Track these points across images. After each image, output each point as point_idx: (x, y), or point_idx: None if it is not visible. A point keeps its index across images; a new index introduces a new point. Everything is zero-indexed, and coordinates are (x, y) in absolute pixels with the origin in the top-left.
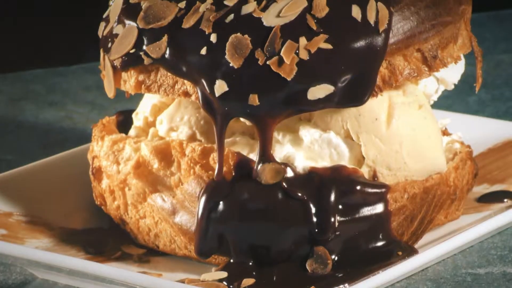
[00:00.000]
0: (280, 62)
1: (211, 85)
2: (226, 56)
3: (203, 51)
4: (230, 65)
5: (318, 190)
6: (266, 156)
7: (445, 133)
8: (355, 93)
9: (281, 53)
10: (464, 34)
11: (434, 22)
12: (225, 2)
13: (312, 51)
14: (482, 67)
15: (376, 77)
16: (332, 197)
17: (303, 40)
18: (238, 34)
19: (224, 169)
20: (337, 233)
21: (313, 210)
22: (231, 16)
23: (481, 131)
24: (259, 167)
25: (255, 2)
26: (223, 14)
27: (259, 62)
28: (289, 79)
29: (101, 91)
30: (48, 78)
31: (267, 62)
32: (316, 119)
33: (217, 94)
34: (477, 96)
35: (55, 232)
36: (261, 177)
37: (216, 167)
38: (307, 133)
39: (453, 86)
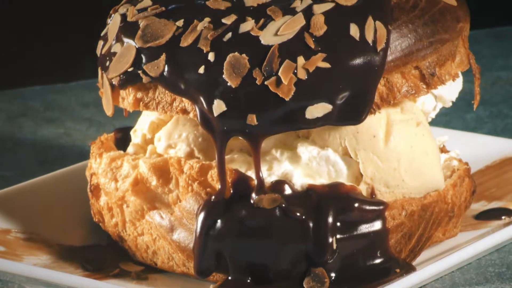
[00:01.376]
0: (278, 82)
1: (210, 104)
2: (224, 76)
3: (201, 70)
4: (228, 84)
5: (316, 207)
6: (262, 186)
7: (443, 150)
8: (353, 111)
9: (279, 73)
10: (462, 52)
11: (432, 40)
12: (223, 20)
13: (310, 70)
14: (480, 84)
15: (374, 96)
16: (330, 215)
17: (301, 60)
18: (236, 53)
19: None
20: (335, 248)
21: (311, 229)
22: (229, 35)
23: (479, 148)
24: (255, 197)
25: (253, 20)
26: (221, 32)
27: (257, 82)
28: (287, 99)
29: (99, 108)
30: (46, 95)
31: (265, 82)
32: (314, 136)
33: (215, 114)
34: (475, 113)
35: (53, 249)
36: (259, 205)
37: (218, 186)
38: (305, 150)
39: (451, 104)
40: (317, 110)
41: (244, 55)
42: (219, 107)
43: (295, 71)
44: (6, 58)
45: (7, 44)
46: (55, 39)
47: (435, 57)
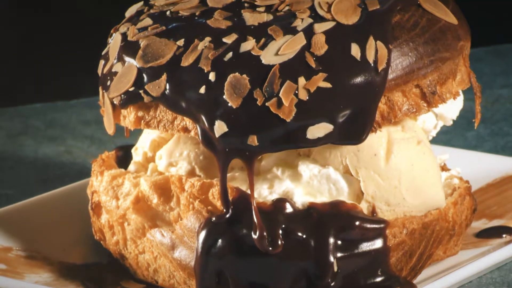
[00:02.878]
0: (279, 103)
1: (211, 124)
2: (225, 96)
3: (202, 90)
4: (229, 104)
5: (317, 226)
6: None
7: (444, 168)
8: (354, 131)
9: (280, 94)
10: (462, 70)
11: (433, 58)
12: (223, 40)
13: (312, 91)
14: (481, 102)
15: (375, 116)
16: (331, 234)
17: (302, 80)
18: (237, 73)
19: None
20: (336, 270)
21: (312, 248)
22: (230, 54)
23: (479, 166)
24: (256, 241)
25: (254, 39)
26: (222, 52)
27: (257, 103)
28: (288, 120)
29: (100, 126)
30: (47, 113)
31: (266, 104)
32: (315, 155)
33: (217, 135)
34: (475, 131)
35: (55, 267)
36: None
37: (220, 204)
38: (306, 168)
39: (451, 122)
40: (318, 130)
41: (244, 75)
42: (220, 128)
43: (296, 92)
44: (6, 76)
45: (7, 62)
46: (56, 56)
47: (436, 76)
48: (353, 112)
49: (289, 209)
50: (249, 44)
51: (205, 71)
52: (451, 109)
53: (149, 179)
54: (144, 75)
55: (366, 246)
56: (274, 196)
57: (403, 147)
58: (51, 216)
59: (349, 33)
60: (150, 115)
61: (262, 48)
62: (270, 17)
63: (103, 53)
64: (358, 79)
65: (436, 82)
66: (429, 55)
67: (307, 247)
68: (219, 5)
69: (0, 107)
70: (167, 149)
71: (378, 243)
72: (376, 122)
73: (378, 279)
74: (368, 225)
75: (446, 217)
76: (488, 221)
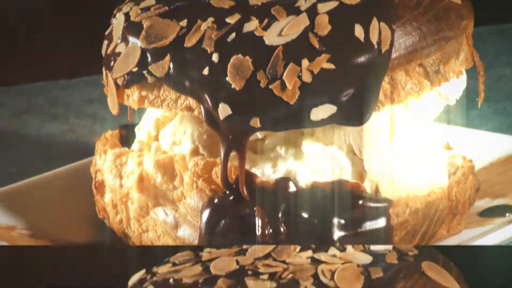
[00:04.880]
0: (283, 86)
1: (215, 107)
2: (228, 78)
3: (206, 71)
4: (232, 87)
5: (320, 204)
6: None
7: (447, 147)
8: (357, 112)
9: (284, 77)
10: (466, 49)
11: (436, 37)
12: (226, 20)
13: (315, 72)
14: (484, 81)
15: (378, 97)
16: (335, 212)
17: (305, 62)
18: (240, 55)
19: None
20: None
21: (316, 227)
22: (233, 35)
23: (483, 145)
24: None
25: (257, 20)
26: (225, 32)
27: (261, 85)
28: (291, 103)
29: (104, 104)
30: (51, 91)
31: (270, 86)
32: (319, 134)
33: (221, 117)
34: (479, 110)
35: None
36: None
37: (226, 190)
38: (310, 147)
39: (455, 101)
40: (322, 111)
41: (247, 57)
42: (224, 110)
43: (300, 74)
44: (10, 54)
45: (10, 41)
46: (59, 35)
47: (439, 55)
48: (356, 93)
49: (292, 188)
50: (252, 25)
51: (208, 52)
52: (454, 88)
53: (152, 157)
54: (148, 56)
55: (369, 225)
56: (278, 175)
57: (407, 126)
58: (54, 194)
59: (352, 13)
60: (153, 94)
61: (265, 28)
62: None
63: (106, 33)
64: (362, 61)
65: (439, 61)
66: (433, 34)
67: (310, 226)
68: None
69: (4, 85)
70: (170, 128)
71: (381, 222)
72: (380, 101)
73: None
74: (372, 204)
75: (449, 196)
76: (491, 200)
